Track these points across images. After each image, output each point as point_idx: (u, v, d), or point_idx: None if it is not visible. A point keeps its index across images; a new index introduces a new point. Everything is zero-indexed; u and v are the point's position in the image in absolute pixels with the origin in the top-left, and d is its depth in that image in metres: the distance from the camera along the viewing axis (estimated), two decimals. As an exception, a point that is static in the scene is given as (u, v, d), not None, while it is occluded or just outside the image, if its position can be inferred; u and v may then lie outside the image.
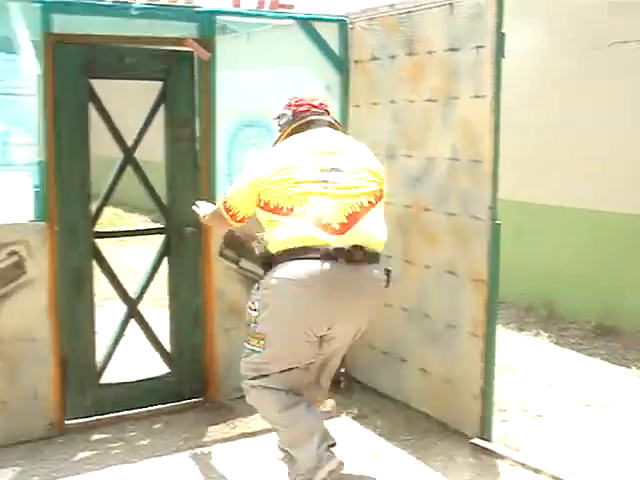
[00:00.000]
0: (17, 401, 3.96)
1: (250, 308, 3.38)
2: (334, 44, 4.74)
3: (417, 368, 4.39)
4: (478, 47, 3.83)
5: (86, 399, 4.21)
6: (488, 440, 3.97)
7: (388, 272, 3.42)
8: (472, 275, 3.96)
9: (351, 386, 4.73)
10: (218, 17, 4.35)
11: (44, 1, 3.86)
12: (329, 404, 4.31)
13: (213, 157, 4.37)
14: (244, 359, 3.45)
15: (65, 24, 3.93)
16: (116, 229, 7.57)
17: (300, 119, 3.54)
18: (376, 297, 3.45)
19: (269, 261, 3.31)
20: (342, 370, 4.31)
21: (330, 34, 4.72)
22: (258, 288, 3.37)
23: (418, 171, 4.30)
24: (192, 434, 4.16)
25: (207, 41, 4.27)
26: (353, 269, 3.21)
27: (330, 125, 3.59)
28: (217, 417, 4.36)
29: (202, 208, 3.87)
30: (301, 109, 3.56)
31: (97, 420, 4.23)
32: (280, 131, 3.63)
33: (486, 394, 3.96)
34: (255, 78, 5.80)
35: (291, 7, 4.69)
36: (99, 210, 4.28)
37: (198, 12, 4.26)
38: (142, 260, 6.01)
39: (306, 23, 4.65)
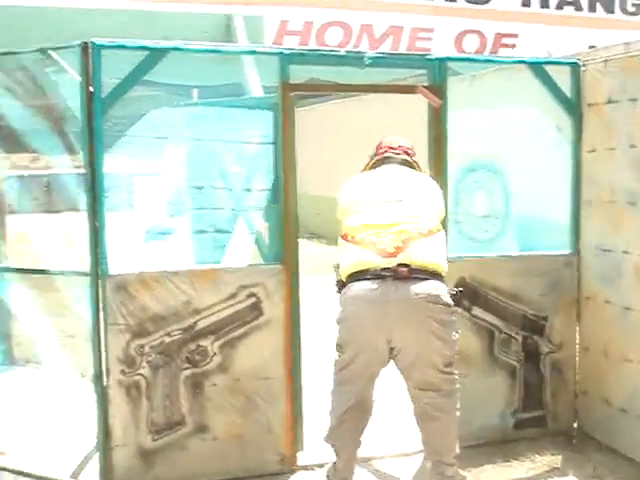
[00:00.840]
0: (252, 435, 4.14)
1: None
2: (565, 86, 4.62)
3: (659, 427, 4.10)
4: None
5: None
6: None
7: (456, 292, 3.71)
8: None
9: (584, 443, 4.52)
10: (449, 63, 4.39)
11: (282, 53, 4.09)
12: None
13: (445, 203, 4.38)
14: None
15: (296, 73, 4.15)
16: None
17: (377, 158, 4.02)
18: (430, 310, 3.54)
19: (341, 285, 3.71)
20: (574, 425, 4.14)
21: (561, 76, 4.61)
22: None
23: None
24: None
25: (438, 88, 4.31)
26: (399, 284, 3.51)
27: (403, 162, 3.98)
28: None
29: None
30: (381, 150, 4.03)
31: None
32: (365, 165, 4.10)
33: None
34: (481, 120, 5.77)
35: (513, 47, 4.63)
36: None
37: (429, 59, 4.32)
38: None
39: (537, 66, 4.56)
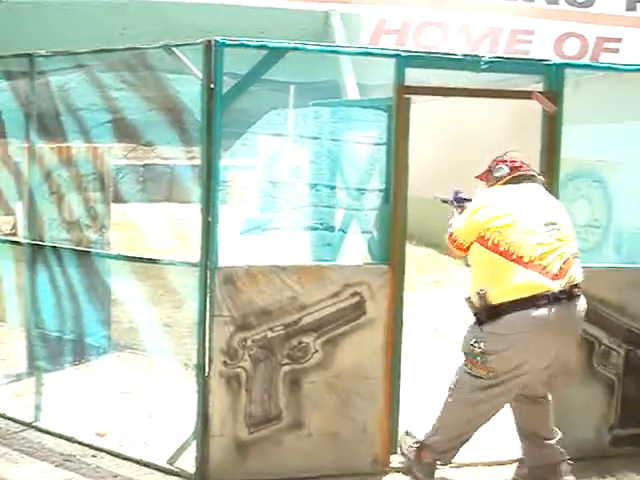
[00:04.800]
0: (347, 434, 4.16)
1: (473, 345, 3.75)
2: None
3: None
4: None
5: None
6: None
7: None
8: None
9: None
10: (567, 70, 4.31)
11: (399, 55, 4.09)
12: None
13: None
14: (464, 379, 3.85)
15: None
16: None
17: (518, 173, 3.97)
18: (581, 323, 3.88)
19: (491, 310, 3.68)
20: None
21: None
22: (482, 330, 3.74)
23: None
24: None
25: (554, 94, 4.25)
26: (570, 305, 3.70)
27: (541, 182, 4.01)
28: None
29: (455, 218, 4.19)
30: (517, 164, 4.00)
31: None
32: (491, 182, 4.06)
33: None
34: (585, 126, 5.65)
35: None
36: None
37: (547, 65, 4.26)
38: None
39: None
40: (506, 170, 4.00)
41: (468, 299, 3.85)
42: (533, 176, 4.00)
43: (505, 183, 3.98)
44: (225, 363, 3.99)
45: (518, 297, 3.63)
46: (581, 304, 3.80)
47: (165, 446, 4.30)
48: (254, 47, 3.86)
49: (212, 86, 3.83)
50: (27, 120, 4.71)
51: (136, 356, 5.86)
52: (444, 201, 4.40)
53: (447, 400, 3.94)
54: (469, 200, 4.18)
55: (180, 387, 5.02)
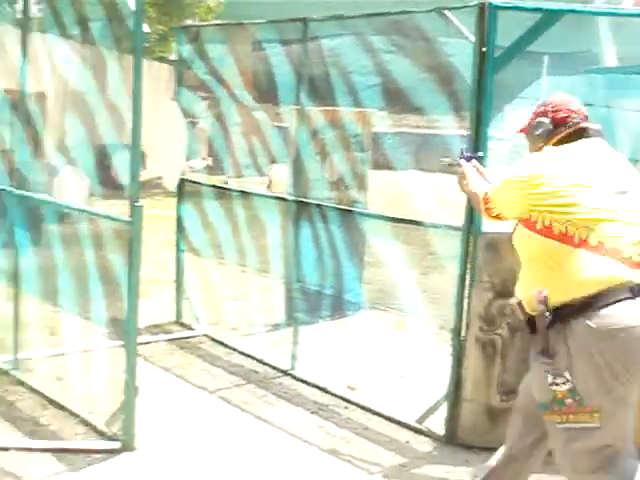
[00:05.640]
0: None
1: (553, 383, 2.69)
2: None
3: None
4: None
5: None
6: None
7: None
8: None
9: None
10: None
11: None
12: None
13: None
14: (570, 446, 2.72)
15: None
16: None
17: (569, 127, 2.97)
18: None
19: (560, 314, 2.66)
20: None
21: None
22: (552, 354, 2.69)
23: None
24: None
25: None
26: None
27: (602, 135, 3.00)
28: None
29: (470, 174, 3.35)
30: (561, 115, 2.98)
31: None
32: (536, 142, 3.05)
33: None
34: None
35: None
36: None
37: None
38: None
39: None
40: (548, 126, 3.01)
41: (519, 304, 2.91)
42: (591, 129, 2.98)
43: (556, 143, 2.98)
44: (481, 329, 3.99)
45: (593, 292, 2.64)
46: None
47: (413, 406, 4.41)
48: (529, 10, 3.75)
49: (484, 49, 3.79)
50: (298, 83, 4.94)
51: (388, 315, 6.02)
52: (451, 164, 3.57)
53: None
54: (478, 158, 3.47)
55: (432, 349, 5.10)
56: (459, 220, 4.02)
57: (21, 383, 4.47)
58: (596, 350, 2.61)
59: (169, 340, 5.53)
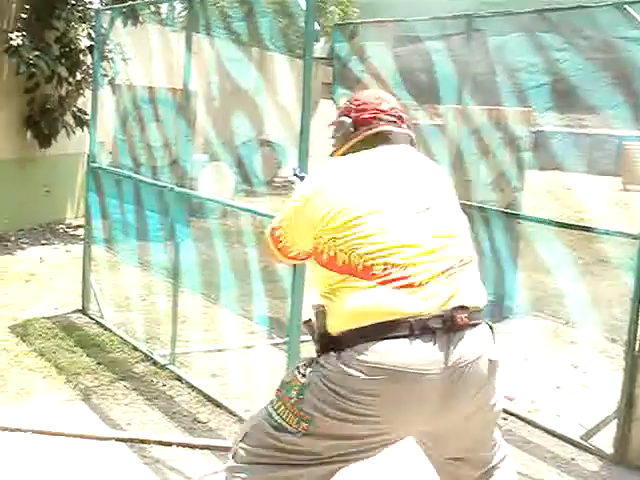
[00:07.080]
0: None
1: (299, 372, 2.27)
2: None
3: None
4: None
5: None
6: None
7: (490, 328, 2.32)
8: None
9: None
10: None
11: None
12: None
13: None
14: (256, 419, 2.35)
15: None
16: None
17: (366, 130, 2.44)
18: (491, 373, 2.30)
19: (331, 341, 2.23)
20: None
21: None
22: (316, 362, 2.25)
23: None
24: None
25: None
26: (454, 338, 2.17)
27: (408, 140, 2.48)
28: None
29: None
30: (365, 116, 2.46)
31: None
32: (335, 145, 2.55)
33: None
34: None
35: None
36: None
37: None
38: None
39: None
40: (349, 127, 2.49)
41: (307, 322, 2.41)
42: (392, 133, 2.45)
43: (353, 149, 2.46)
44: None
45: (363, 325, 2.16)
46: (482, 340, 2.27)
47: (573, 420, 4.18)
48: None
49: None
50: (461, 81, 4.81)
51: (547, 322, 5.77)
52: (292, 182, 2.92)
53: None
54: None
55: (591, 361, 4.84)
56: (634, 227, 3.78)
57: (178, 378, 4.55)
58: (346, 385, 2.16)
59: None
